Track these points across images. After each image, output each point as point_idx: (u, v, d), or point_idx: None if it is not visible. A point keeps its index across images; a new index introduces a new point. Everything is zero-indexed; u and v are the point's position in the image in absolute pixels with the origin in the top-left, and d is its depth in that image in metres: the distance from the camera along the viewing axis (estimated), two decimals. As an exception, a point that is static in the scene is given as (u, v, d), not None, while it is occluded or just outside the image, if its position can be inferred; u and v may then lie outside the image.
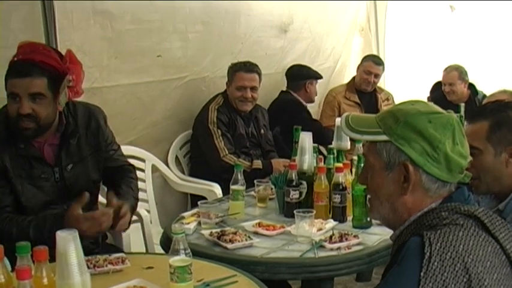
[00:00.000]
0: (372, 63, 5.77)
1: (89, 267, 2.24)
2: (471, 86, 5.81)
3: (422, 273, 1.55)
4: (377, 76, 5.76)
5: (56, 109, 2.86)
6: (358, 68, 5.86)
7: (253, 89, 4.60)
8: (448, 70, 5.76)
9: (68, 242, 1.86)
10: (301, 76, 5.28)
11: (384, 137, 1.73)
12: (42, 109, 2.77)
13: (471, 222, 1.64)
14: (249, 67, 4.62)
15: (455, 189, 1.74)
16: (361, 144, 3.83)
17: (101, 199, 3.75)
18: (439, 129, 1.69)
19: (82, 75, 2.99)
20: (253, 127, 4.73)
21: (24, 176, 2.84)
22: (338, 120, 3.71)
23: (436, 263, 1.55)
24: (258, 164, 4.49)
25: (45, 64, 2.77)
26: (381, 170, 1.75)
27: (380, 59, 6.00)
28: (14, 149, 2.82)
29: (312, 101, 5.35)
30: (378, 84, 6.11)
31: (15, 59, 2.79)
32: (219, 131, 4.47)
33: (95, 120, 3.03)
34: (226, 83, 4.66)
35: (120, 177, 3.14)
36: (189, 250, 2.14)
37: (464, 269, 1.55)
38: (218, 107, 4.55)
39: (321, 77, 5.38)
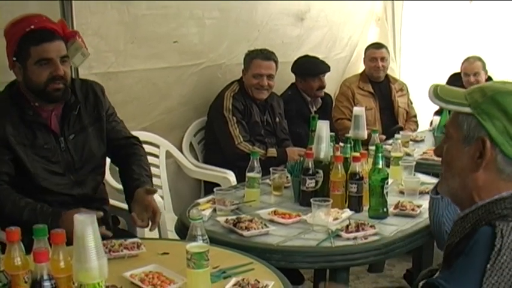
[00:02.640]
0: (373, 49, 5.73)
1: (104, 252, 2.23)
2: (489, 79, 5.77)
3: (489, 265, 1.51)
4: (383, 59, 5.69)
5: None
6: (363, 61, 5.83)
7: (270, 76, 4.57)
8: (472, 61, 5.70)
9: (86, 225, 1.83)
10: (293, 71, 5.24)
11: (467, 109, 1.71)
12: (68, 70, 2.95)
13: None
14: (266, 54, 4.59)
15: None
16: (377, 135, 3.82)
17: (112, 182, 3.78)
18: None
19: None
20: (268, 115, 4.71)
21: (28, 145, 2.88)
22: (356, 109, 3.71)
23: (505, 257, 1.51)
24: (272, 152, 4.47)
25: (54, 29, 2.93)
26: (458, 142, 1.74)
27: (380, 44, 5.95)
28: (19, 120, 2.87)
29: (311, 96, 5.20)
30: (392, 74, 6.08)
31: (27, 29, 2.86)
32: (234, 118, 4.45)
33: (93, 92, 3.10)
34: (243, 70, 4.64)
35: (128, 156, 3.18)
36: (206, 236, 2.13)
37: None
38: (234, 94, 4.53)
39: (307, 74, 5.12)
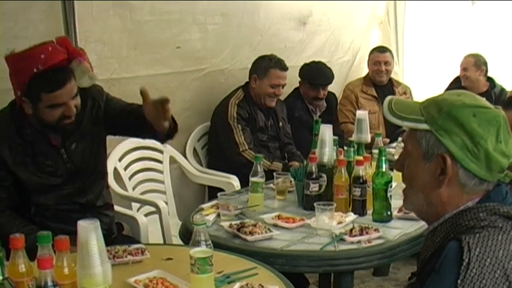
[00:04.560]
0: (377, 53, 5.72)
1: (108, 258, 2.23)
2: (490, 80, 5.77)
3: (459, 281, 1.49)
4: (387, 63, 5.69)
5: None
6: (367, 64, 5.82)
7: (284, 86, 4.63)
8: (466, 56, 5.80)
9: (90, 231, 1.85)
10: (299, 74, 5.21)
11: (424, 126, 1.66)
12: (78, 102, 2.87)
13: (510, 224, 1.58)
14: (284, 65, 4.62)
15: (493, 188, 1.67)
16: (380, 138, 3.83)
17: (116, 188, 3.78)
18: (483, 125, 1.62)
19: (86, 56, 3.06)
20: (272, 120, 4.71)
21: (29, 162, 2.87)
22: (359, 113, 3.71)
23: (474, 270, 1.49)
24: (277, 166, 4.41)
25: (62, 62, 2.81)
26: (418, 159, 1.69)
27: (384, 47, 5.94)
28: (17, 138, 2.85)
29: (309, 103, 5.17)
30: (396, 78, 6.08)
31: (35, 70, 2.72)
32: (239, 125, 4.45)
33: (91, 98, 3.04)
34: (254, 77, 4.60)
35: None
36: (210, 241, 2.13)
37: (504, 275, 1.50)
38: (238, 102, 4.52)
39: (308, 81, 5.06)
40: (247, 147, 4.41)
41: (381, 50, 5.79)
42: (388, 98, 1.78)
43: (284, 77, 4.62)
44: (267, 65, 4.59)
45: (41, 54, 2.75)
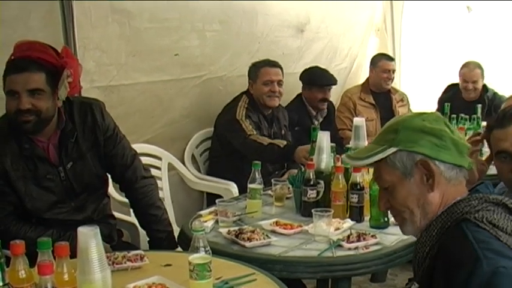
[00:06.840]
0: (386, 61, 5.74)
1: (107, 264, 2.25)
2: (484, 87, 5.82)
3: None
4: (394, 71, 5.76)
5: (55, 104, 2.87)
6: (372, 70, 5.79)
7: (280, 82, 4.62)
8: (471, 67, 5.72)
9: (89, 238, 1.86)
10: (300, 79, 5.23)
11: (392, 149, 1.80)
12: (42, 103, 2.79)
13: (500, 210, 1.72)
14: (272, 62, 4.65)
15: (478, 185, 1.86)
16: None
17: (115, 195, 3.78)
18: (433, 123, 1.81)
19: (80, 70, 3.02)
20: (275, 127, 4.70)
21: (29, 177, 2.86)
22: (356, 120, 3.73)
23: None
24: (281, 142, 4.28)
25: (42, 60, 2.80)
26: (401, 181, 1.82)
27: (389, 56, 6.01)
28: (18, 151, 2.84)
29: (314, 107, 5.17)
30: (392, 85, 6.10)
31: (12, 57, 2.81)
32: (247, 120, 4.42)
33: (91, 115, 3.01)
34: (250, 82, 4.63)
35: (144, 206, 3.21)
36: (208, 248, 2.14)
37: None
38: (247, 106, 4.53)
39: (313, 83, 5.10)
40: (254, 132, 4.37)
41: (389, 58, 5.84)
42: (344, 155, 2.04)
43: (275, 73, 4.61)
44: (256, 67, 4.64)
45: (24, 47, 2.83)
